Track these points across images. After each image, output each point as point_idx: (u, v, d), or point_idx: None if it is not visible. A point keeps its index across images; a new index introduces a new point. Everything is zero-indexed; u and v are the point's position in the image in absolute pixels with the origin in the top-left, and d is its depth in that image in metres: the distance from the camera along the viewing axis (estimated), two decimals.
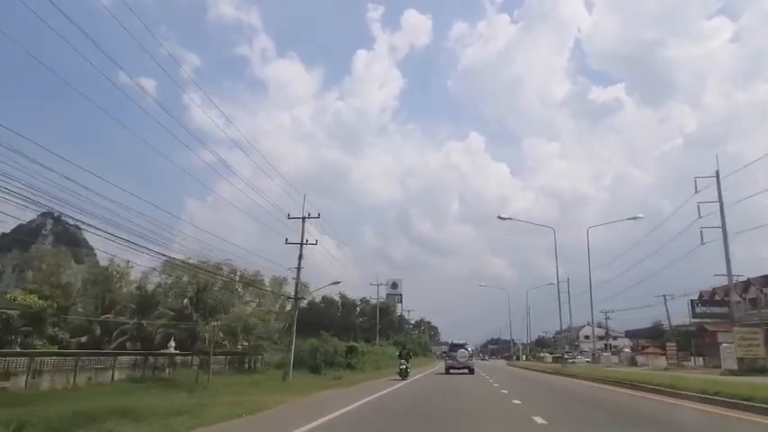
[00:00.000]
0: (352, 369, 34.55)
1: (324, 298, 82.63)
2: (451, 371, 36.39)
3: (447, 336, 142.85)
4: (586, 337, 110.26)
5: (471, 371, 35.85)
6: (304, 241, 33.12)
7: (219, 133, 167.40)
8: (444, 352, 51.25)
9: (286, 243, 33.04)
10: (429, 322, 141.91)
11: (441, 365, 45.69)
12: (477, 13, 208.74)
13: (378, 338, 61.60)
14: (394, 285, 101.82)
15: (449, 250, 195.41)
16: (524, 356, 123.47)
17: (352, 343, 39.06)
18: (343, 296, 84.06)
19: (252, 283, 75.15)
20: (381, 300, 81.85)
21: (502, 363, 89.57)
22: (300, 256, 32.97)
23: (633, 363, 57.95)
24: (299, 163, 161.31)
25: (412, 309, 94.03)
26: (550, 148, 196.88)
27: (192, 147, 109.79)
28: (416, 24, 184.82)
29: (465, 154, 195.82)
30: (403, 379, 29.67)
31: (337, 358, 34.45)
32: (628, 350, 69.09)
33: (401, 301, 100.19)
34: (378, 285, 64.73)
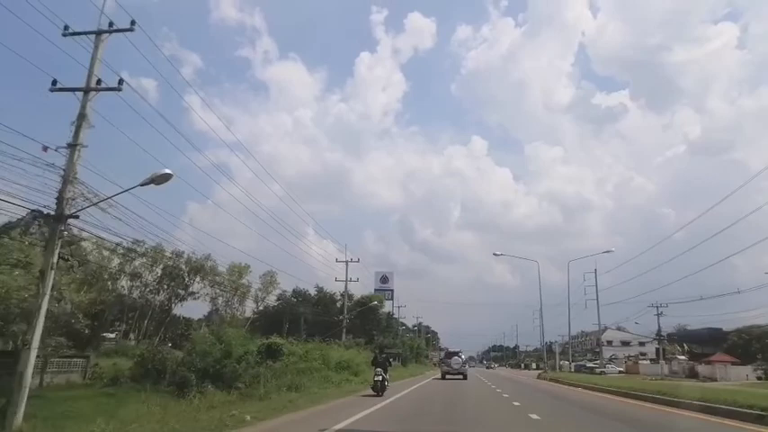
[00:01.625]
0: (279, 381, 19.95)
1: (296, 291, 68.80)
2: (447, 377, 38.94)
3: (447, 342, 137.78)
4: (609, 342, 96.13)
5: (465, 376, 39.14)
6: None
7: (221, 136, 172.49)
8: (441, 359, 53.76)
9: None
10: (428, 327, 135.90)
11: (436, 374, 44.11)
12: (481, 16, 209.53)
13: (344, 336, 47.62)
14: (384, 279, 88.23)
15: (450, 257, 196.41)
16: (535, 365, 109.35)
17: (274, 339, 24.78)
18: (319, 290, 70.01)
19: (200, 269, 61.76)
20: (358, 293, 67.58)
21: (522, 375, 75.16)
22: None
23: (693, 374, 43.95)
24: (300, 166, 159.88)
25: (403, 305, 79.80)
26: (554, 153, 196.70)
27: (191, 150, 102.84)
28: (420, 27, 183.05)
29: (467, 158, 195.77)
30: (378, 395, 21.63)
31: (245, 367, 19.81)
32: (682, 357, 54.90)
33: (392, 298, 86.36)
34: (347, 262, 49.94)
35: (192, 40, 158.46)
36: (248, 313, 70.61)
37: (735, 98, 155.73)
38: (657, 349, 62.37)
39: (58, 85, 13.32)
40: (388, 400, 19.59)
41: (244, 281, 67.83)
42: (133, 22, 14.26)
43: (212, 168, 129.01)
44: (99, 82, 13.56)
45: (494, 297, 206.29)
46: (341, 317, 74.05)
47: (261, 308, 70.00)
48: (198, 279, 62.62)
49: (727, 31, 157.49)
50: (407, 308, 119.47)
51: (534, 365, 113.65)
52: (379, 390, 22.17)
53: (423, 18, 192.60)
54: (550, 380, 39.47)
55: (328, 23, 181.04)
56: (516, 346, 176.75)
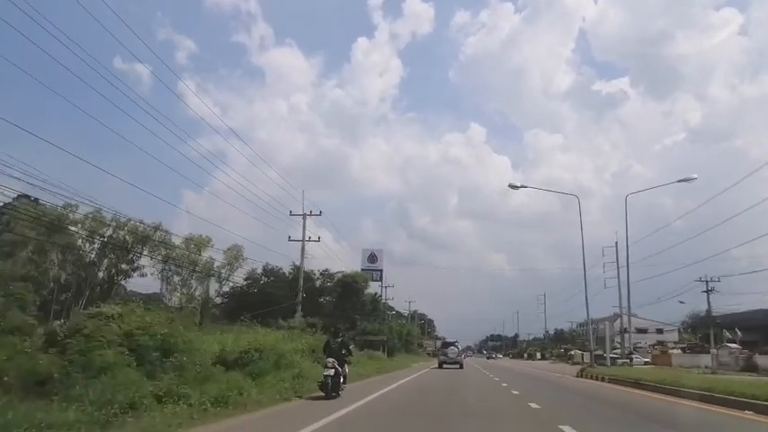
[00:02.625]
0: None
1: (266, 270, 59.16)
2: (444, 366, 39.79)
3: (444, 331, 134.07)
4: (625, 330, 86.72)
5: (461, 366, 40.39)
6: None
7: (215, 123, 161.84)
8: (438, 349, 54.59)
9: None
10: (424, 314, 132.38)
11: (428, 366, 42.12)
12: (480, 1, 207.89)
13: (300, 314, 38.31)
14: (372, 258, 78.98)
15: (448, 245, 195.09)
16: (540, 354, 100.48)
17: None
18: (296, 268, 60.01)
19: (146, 240, 51.97)
20: (344, 272, 58.14)
21: (533, 367, 65.52)
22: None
23: (750, 366, 34.60)
24: (297, 152, 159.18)
25: (391, 285, 70.09)
26: (553, 141, 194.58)
27: (184, 137, 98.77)
28: (419, 12, 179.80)
29: (465, 146, 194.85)
30: (327, 397, 14.38)
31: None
32: (734, 345, 45.41)
33: (380, 279, 76.86)
34: (304, 215, 39.84)
35: (186, 24, 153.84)
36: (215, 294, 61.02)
37: (736, 85, 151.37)
38: (709, 334, 52.76)
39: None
40: (341, 412, 11.32)
41: (206, 256, 58.40)
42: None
43: (207, 155, 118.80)
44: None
45: (491, 286, 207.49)
46: (324, 299, 65.03)
47: (227, 288, 60.19)
48: (146, 252, 52.70)
49: (729, 17, 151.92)
50: (401, 294, 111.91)
51: (539, 355, 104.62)
52: (329, 390, 14.62)
53: (421, 3, 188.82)
54: (608, 380, 25.05)
55: (325, 8, 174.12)
56: (516, 335, 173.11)
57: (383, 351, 49.14)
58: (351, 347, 17.40)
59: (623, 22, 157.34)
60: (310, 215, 42.88)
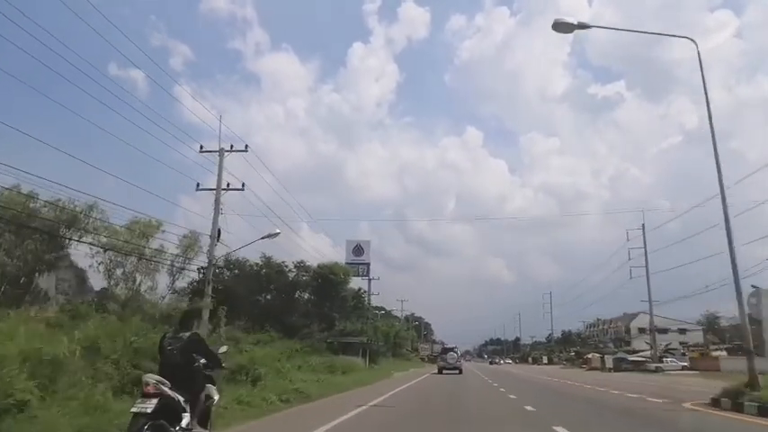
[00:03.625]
0: None
1: (228, 261, 49.83)
2: (444, 371, 39.17)
3: (441, 335, 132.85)
4: (642, 329, 77.59)
5: (460, 371, 39.62)
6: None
7: (212, 128, 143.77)
8: (436, 354, 54.90)
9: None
10: (421, 318, 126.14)
11: (419, 374, 36.93)
12: (475, 5, 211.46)
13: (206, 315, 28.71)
14: (357, 250, 70.13)
15: (445, 249, 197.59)
16: (546, 358, 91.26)
17: None
18: (266, 259, 50.96)
19: (73, 222, 42.47)
20: (325, 262, 49.19)
21: (535, 371, 56.05)
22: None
23: None
24: (293, 157, 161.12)
25: (376, 277, 60.98)
26: (549, 144, 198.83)
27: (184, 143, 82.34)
28: (414, 17, 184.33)
29: (462, 150, 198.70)
30: None
31: None
32: None
33: (367, 274, 67.75)
34: (221, 151, 28.78)
35: (181, 30, 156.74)
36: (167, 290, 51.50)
37: (732, 87, 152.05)
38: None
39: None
40: None
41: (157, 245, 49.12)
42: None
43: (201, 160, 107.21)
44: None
45: (489, 290, 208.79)
46: (302, 294, 55.45)
47: (183, 283, 50.72)
48: (76, 238, 43.02)
49: (724, 19, 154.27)
50: (395, 298, 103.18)
51: (545, 359, 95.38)
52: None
53: (416, 7, 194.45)
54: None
55: (321, 13, 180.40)
56: (518, 339, 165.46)
57: (364, 356, 39.90)
58: (223, 351, 8.05)
59: (618, 25, 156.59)
60: (231, 151, 29.65)
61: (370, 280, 69.02)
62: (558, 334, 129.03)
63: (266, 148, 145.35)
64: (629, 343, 77.71)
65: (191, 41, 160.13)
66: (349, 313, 51.20)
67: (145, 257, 47.28)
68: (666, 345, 66.05)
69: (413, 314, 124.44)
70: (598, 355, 60.34)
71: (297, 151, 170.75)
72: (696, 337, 77.09)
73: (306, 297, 52.89)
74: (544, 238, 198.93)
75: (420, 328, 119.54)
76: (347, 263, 69.68)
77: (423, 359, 79.73)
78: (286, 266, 52.02)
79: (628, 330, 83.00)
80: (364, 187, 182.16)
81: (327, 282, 49.33)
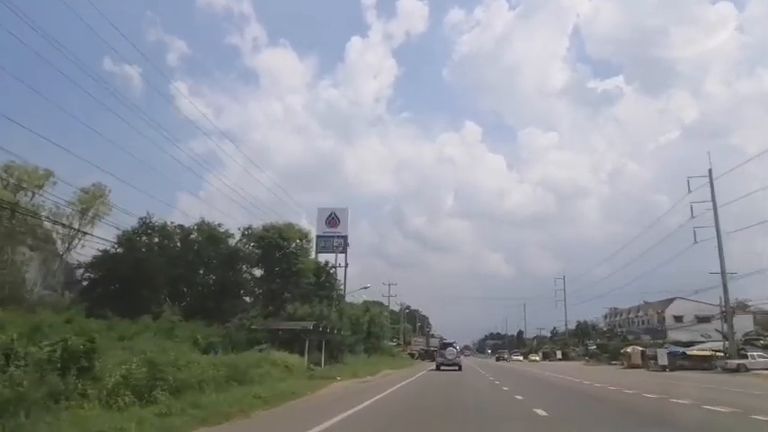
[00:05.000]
0: None
1: (146, 224, 36.97)
2: (443, 367, 36.10)
3: (440, 330, 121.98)
4: (678, 317, 64.27)
5: (459, 367, 36.25)
6: None
7: (209, 125, 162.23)
8: (433, 348, 57.59)
9: None
10: (418, 311, 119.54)
11: (393, 383, 24.08)
12: None
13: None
14: (332, 220, 58.03)
15: (444, 245, 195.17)
16: (560, 353, 78.02)
17: None
18: (204, 224, 37.37)
19: None
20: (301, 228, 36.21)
21: (569, 370, 41.71)
22: None
23: None
24: (291, 154, 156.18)
25: (347, 244, 47.88)
26: (548, 139, 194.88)
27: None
28: (412, 11, 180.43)
29: (461, 145, 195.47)
30: None
31: None
32: None
33: (344, 251, 54.86)
34: None
35: (177, 25, 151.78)
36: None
37: (732, 81, 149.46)
38: None
39: None
40: None
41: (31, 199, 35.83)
42: None
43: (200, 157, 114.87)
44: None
45: (488, 285, 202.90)
46: (244, 269, 41.73)
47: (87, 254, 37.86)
48: None
49: (725, 12, 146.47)
50: (401, 298, 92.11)
51: (559, 354, 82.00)
52: None
53: (415, 1, 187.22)
54: None
55: (318, 8, 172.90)
56: (521, 332, 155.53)
57: (319, 350, 26.73)
58: None
59: (618, 18, 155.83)
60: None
61: (346, 256, 56.12)
62: (562, 327, 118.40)
63: (264, 144, 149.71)
64: (663, 333, 64.45)
65: (187, 37, 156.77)
66: (309, 294, 37.84)
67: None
68: (746, 334, 52.90)
69: (408, 306, 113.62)
70: (640, 348, 47.07)
71: (295, 147, 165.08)
72: (746, 323, 63.52)
73: (256, 273, 39.72)
74: (543, 233, 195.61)
75: (414, 319, 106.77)
76: (319, 235, 56.63)
77: (412, 355, 66.60)
78: (227, 232, 38.80)
79: (662, 319, 69.71)
80: (363, 183, 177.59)
81: (276, 250, 36.05)
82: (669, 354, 39.26)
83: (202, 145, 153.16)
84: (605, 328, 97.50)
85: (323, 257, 52.89)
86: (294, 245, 37.67)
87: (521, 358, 77.87)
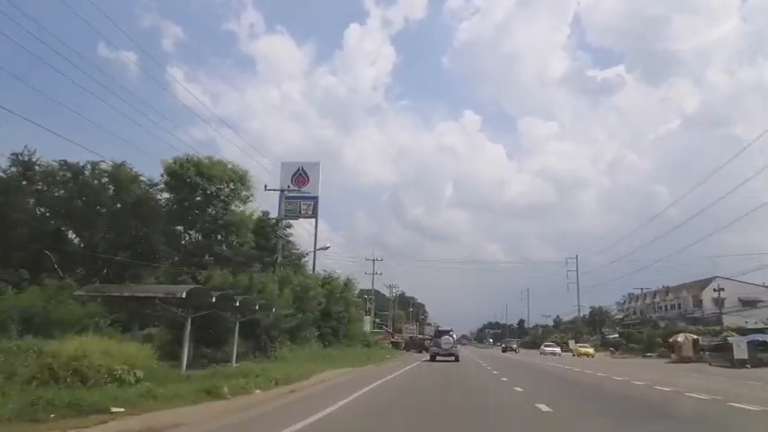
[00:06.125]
0: None
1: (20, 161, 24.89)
2: (438, 358, 31.59)
3: (438, 320, 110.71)
4: (716, 301, 53.14)
5: (456, 358, 31.77)
6: None
7: (206, 112, 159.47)
8: (427, 337, 54.40)
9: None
10: (413, 298, 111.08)
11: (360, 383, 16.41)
12: None
13: None
14: (300, 176, 47.39)
15: (443, 235, 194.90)
16: (574, 343, 66.97)
17: None
18: (115, 167, 25.52)
19: None
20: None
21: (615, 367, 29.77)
22: None
23: None
24: (289, 142, 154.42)
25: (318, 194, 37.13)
26: (548, 128, 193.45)
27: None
28: None
29: (460, 134, 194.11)
30: None
31: None
32: None
33: (315, 215, 44.39)
34: None
35: (173, 11, 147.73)
36: None
37: (734, 70, 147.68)
38: None
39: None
40: None
41: None
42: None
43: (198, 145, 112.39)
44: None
45: (487, 275, 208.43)
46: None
47: None
48: None
49: (728, 1, 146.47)
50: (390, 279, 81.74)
51: (572, 342, 70.94)
52: None
53: None
54: None
55: None
56: (522, 321, 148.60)
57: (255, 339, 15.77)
58: None
59: (619, 6, 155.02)
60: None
61: (317, 222, 45.12)
62: (566, 316, 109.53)
63: (261, 132, 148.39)
64: (697, 320, 53.50)
65: (182, 23, 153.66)
66: (251, 259, 26.52)
67: None
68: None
69: (403, 293, 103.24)
70: (693, 336, 35.95)
71: (292, 135, 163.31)
72: None
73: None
74: (543, 223, 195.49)
75: (408, 305, 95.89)
76: (287, 194, 45.67)
77: (397, 344, 55.19)
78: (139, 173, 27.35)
79: (699, 302, 58.64)
80: (361, 171, 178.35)
81: (192, 194, 24.74)
82: (748, 342, 28.12)
83: (201, 132, 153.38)
84: (620, 316, 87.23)
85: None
86: (225, 190, 26.32)
87: (557, 351, 52.99)
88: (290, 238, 38.51)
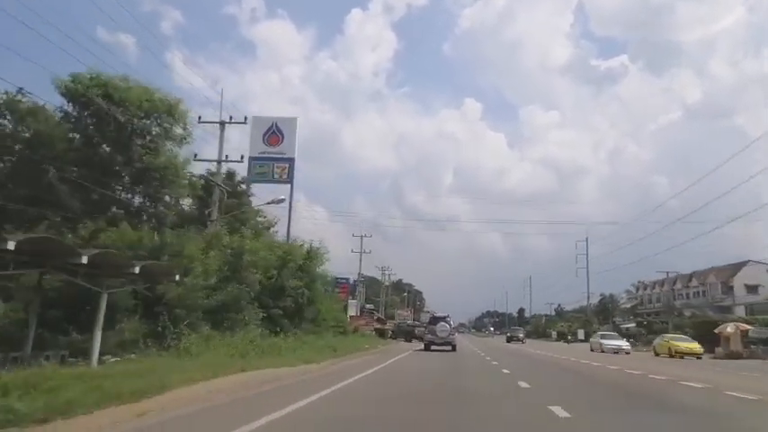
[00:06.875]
0: None
1: None
2: (433, 347, 29.04)
3: (436, 308, 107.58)
4: (753, 287, 46.66)
5: (453, 347, 29.11)
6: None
7: (205, 95, 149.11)
8: (411, 325, 52.39)
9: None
10: (411, 285, 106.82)
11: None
12: None
13: None
14: (273, 134, 41.88)
15: (442, 222, 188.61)
16: (582, 333, 60.68)
17: None
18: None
19: None
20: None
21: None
22: None
23: None
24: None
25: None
26: (550, 117, 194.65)
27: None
28: None
29: (461, 122, 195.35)
30: None
31: None
32: None
33: (290, 180, 37.87)
34: None
35: None
36: None
37: (738, 61, 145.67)
38: None
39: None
40: None
41: None
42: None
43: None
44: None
45: (486, 263, 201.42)
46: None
47: None
48: None
49: None
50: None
51: (581, 334, 64.53)
52: None
53: None
54: None
55: None
56: (522, 310, 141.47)
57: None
58: None
59: None
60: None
61: (292, 188, 38.77)
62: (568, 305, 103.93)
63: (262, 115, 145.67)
64: (728, 309, 47.06)
65: (183, 6, 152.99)
66: (186, 220, 19.90)
67: None
68: None
69: (400, 279, 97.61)
70: (746, 326, 29.36)
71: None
72: None
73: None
74: (543, 211, 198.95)
75: (402, 291, 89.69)
76: (254, 157, 39.27)
77: (382, 332, 48.33)
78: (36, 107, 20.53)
79: (728, 289, 52.13)
80: (361, 158, 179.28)
81: (96, 121, 18.08)
82: None
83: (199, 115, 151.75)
84: (629, 305, 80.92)
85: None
86: (149, 124, 19.61)
87: (625, 346, 33.96)
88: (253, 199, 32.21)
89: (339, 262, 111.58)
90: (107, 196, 17.97)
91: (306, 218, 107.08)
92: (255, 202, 37.38)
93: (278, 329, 18.13)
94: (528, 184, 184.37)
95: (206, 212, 19.50)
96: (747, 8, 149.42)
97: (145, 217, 20.75)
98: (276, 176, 38.23)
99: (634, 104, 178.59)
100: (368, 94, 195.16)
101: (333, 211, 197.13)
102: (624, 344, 34.45)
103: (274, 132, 39.13)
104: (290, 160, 38.57)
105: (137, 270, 11.17)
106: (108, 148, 19.04)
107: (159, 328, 12.92)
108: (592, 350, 34.64)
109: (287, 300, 18.68)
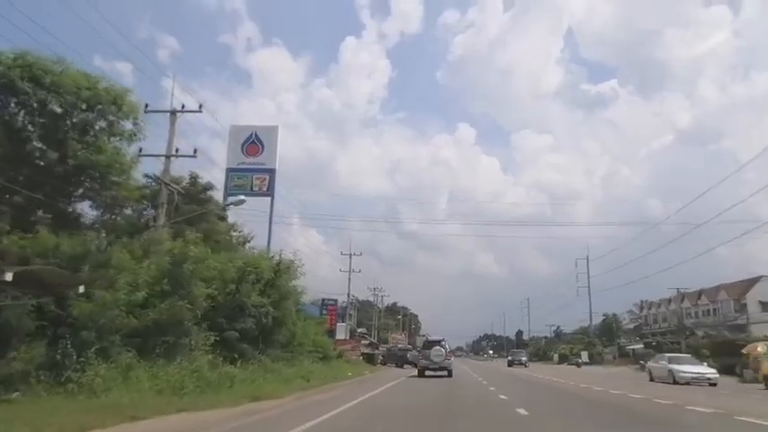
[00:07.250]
0: None
1: None
2: (427, 372, 28.03)
3: (432, 332, 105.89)
4: (765, 304, 43.60)
5: (449, 373, 27.66)
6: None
7: (202, 123, 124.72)
8: (402, 350, 50.45)
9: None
10: (406, 308, 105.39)
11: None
12: None
13: None
14: (251, 145, 40.29)
15: (437, 246, 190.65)
16: (586, 356, 57.26)
17: None
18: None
19: None
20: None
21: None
22: None
23: None
24: (285, 154, 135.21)
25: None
26: (542, 141, 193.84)
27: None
28: (407, 11, 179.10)
29: (455, 147, 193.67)
30: None
31: None
32: None
33: (270, 191, 35.09)
34: None
35: (169, 23, 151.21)
36: None
37: (727, 85, 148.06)
38: None
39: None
40: None
41: None
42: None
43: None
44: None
45: (482, 287, 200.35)
46: None
47: None
48: None
49: (720, 15, 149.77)
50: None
51: (585, 356, 60.80)
52: None
53: (410, 0, 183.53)
54: None
55: (313, 7, 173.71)
56: (520, 333, 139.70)
57: None
58: None
59: (612, 19, 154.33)
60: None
61: (272, 201, 36.13)
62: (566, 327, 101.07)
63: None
64: (743, 328, 43.90)
65: (178, 35, 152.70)
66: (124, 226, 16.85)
67: None
68: None
69: (395, 302, 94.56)
70: None
71: (287, 147, 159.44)
72: None
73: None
74: (537, 234, 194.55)
75: (397, 314, 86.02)
76: (231, 169, 36.98)
77: (371, 358, 44.51)
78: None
79: (742, 307, 48.89)
80: (356, 184, 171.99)
81: (19, 107, 15.20)
82: None
83: (194, 143, 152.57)
84: (631, 326, 77.61)
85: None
86: (89, 115, 16.69)
87: (711, 375, 24.28)
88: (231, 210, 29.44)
89: (331, 285, 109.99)
90: (34, 198, 15.01)
91: (302, 243, 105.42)
92: (237, 218, 34.40)
93: (235, 356, 14.98)
94: (522, 207, 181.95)
95: (152, 217, 16.51)
96: (733, 32, 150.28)
97: (89, 224, 17.76)
98: (255, 188, 35.52)
99: (625, 129, 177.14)
100: (362, 121, 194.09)
101: (327, 236, 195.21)
102: (709, 371, 24.86)
103: (254, 142, 36.57)
104: (271, 171, 35.91)
105: (8, 277, 8.13)
106: (39, 144, 16.17)
107: (58, 356, 9.82)
108: (652, 380, 26.19)
109: (247, 320, 15.53)
